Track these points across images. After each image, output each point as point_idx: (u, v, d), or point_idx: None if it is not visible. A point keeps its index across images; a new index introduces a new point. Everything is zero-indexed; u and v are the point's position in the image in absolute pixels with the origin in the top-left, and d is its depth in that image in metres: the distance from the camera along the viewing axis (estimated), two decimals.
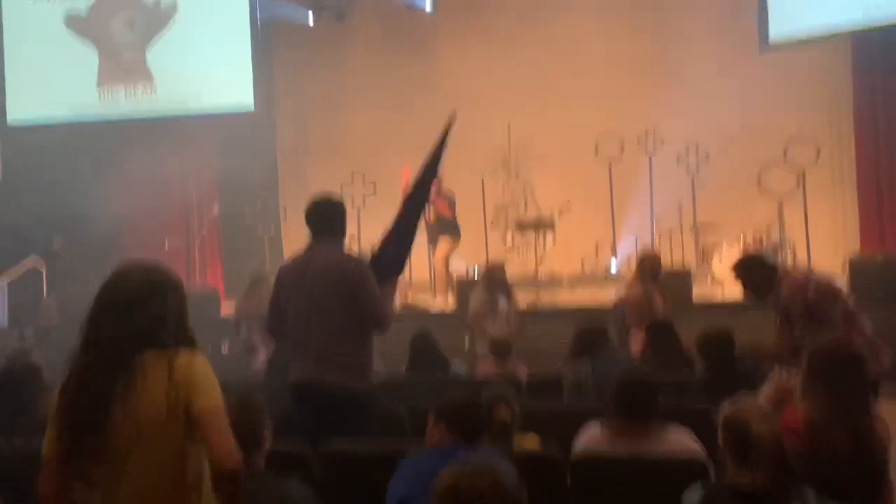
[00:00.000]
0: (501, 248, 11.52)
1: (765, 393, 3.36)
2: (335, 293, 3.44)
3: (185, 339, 2.05)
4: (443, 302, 8.85)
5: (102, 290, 2.07)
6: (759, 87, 9.84)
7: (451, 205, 8.81)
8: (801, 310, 3.76)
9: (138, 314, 1.99)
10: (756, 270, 4.05)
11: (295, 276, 3.59)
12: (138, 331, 1.97)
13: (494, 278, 6.50)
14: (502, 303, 6.40)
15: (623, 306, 5.82)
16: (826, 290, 3.88)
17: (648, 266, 5.93)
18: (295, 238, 11.60)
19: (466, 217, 11.14)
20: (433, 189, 8.84)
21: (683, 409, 3.35)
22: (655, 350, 4.48)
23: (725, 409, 2.52)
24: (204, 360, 2.02)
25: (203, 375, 1.97)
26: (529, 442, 3.07)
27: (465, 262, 10.70)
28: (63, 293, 10.03)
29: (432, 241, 9.08)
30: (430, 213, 8.88)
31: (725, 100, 9.92)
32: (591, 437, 2.85)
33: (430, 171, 4.07)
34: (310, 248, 3.64)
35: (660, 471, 2.69)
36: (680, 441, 2.75)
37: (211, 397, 1.95)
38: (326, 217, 3.60)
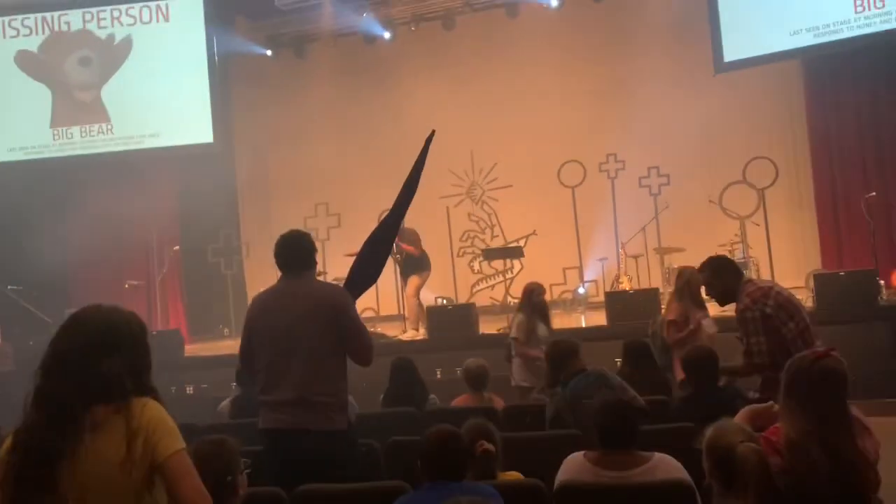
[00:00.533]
0: (469, 275, 11.53)
1: (741, 413, 3.32)
2: (318, 327, 3.31)
3: (143, 391, 1.91)
4: (413, 335, 8.74)
5: (57, 338, 1.94)
6: (716, 110, 10.01)
7: (416, 241, 8.74)
8: (758, 319, 3.72)
9: (92, 369, 1.86)
10: (723, 273, 4.05)
11: (269, 315, 3.43)
12: (91, 385, 1.85)
13: (533, 301, 6.03)
14: (541, 328, 5.95)
15: (662, 327, 5.22)
16: (786, 303, 3.81)
17: (686, 281, 5.23)
18: (257, 275, 11.49)
19: (432, 246, 11.11)
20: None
21: (666, 430, 3.31)
22: (632, 370, 4.41)
23: (707, 433, 2.47)
24: (157, 405, 1.89)
25: (160, 420, 1.87)
26: (512, 478, 2.99)
27: (432, 292, 10.65)
28: (18, 339, 9.69)
29: (403, 279, 8.99)
30: (395, 252, 8.79)
31: (683, 123, 10.09)
32: (574, 466, 2.78)
33: (410, 191, 4.03)
34: (283, 285, 3.49)
35: (646, 498, 2.64)
36: (665, 468, 2.70)
37: (172, 442, 1.85)
38: (296, 250, 3.47)
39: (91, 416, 1.82)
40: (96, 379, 1.85)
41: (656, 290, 8.11)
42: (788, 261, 9.59)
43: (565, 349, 4.08)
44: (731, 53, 9.62)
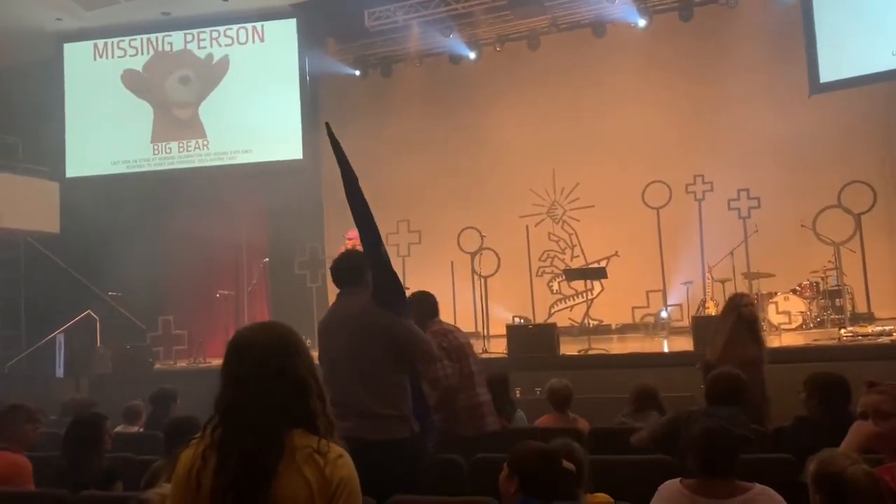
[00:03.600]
0: (547, 295, 11.47)
1: (847, 443, 3.18)
2: (368, 341, 3.38)
3: (328, 423, 1.84)
4: None
5: (239, 353, 1.84)
6: (810, 131, 9.72)
7: None
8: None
9: (287, 378, 1.81)
10: (418, 308, 4.12)
11: (327, 335, 3.54)
12: (289, 399, 1.80)
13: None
14: None
15: None
16: (457, 349, 4.19)
17: None
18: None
19: (511, 264, 11.12)
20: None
21: (765, 461, 3.22)
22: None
23: (812, 464, 2.39)
24: (351, 464, 1.83)
25: (351, 482, 1.80)
26: (601, 501, 2.96)
27: (510, 311, 10.65)
28: (115, 343, 10.20)
29: None
30: None
31: (775, 144, 9.83)
32: (669, 492, 2.73)
33: (349, 179, 3.73)
34: (337, 304, 3.60)
35: None
36: (766, 499, 2.60)
37: None
38: (345, 268, 3.57)
39: (290, 441, 1.77)
40: (294, 390, 1.82)
41: None
42: (886, 289, 9.16)
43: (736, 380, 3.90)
44: (827, 74, 9.31)
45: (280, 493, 1.73)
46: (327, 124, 3.74)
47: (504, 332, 8.78)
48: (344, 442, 1.89)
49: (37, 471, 3.79)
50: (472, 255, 10.46)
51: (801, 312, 8.94)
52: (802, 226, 9.16)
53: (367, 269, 3.58)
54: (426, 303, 4.36)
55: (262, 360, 1.82)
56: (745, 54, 10.08)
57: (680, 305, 10.07)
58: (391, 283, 3.50)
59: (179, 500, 1.80)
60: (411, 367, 3.58)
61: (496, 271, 10.68)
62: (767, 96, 9.97)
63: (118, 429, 5.57)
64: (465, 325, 10.63)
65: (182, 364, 10.32)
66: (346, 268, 3.57)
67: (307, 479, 1.75)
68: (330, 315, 3.60)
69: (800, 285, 9.12)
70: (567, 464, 2.85)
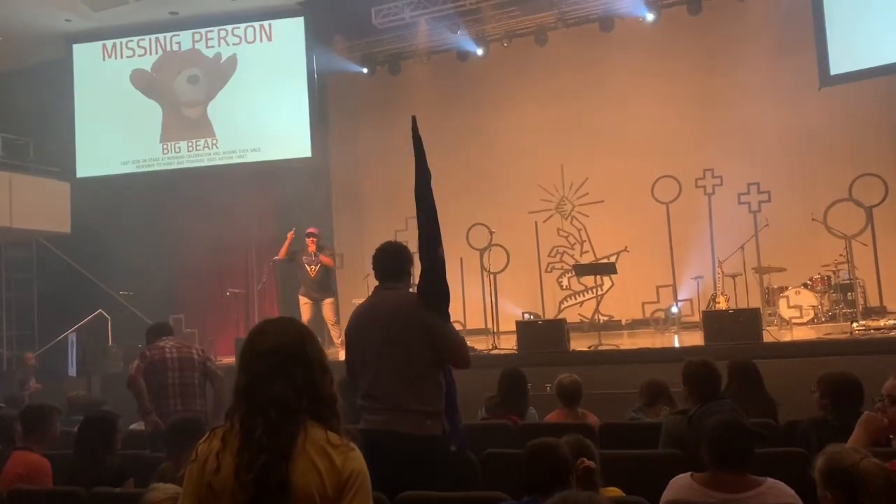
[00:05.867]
0: (557, 291, 11.45)
1: (855, 436, 3.16)
2: (408, 336, 3.34)
3: (338, 415, 1.85)
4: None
5: (261, 334, 1.87)
6: (820, 124, 9.65)
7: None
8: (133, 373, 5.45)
9: (309, 357, 1.83)
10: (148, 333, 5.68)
11: (363, 327, 3.50)
12: (309, 378, 1.81)
13: None
14: None
15: None
16: (157, 363, 5.35)
17: None
18: (351, 285, 11.79)
19: (520, 261, 11.11)
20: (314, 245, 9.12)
21: (775, 455, 3.20)
22: (738, 390, 4.23)
23: (820, 460, 2.37)
24: (363, 460, 1.82)
25: (363, 476, 1.80)
26: (612, 494, 2.95)
27: (520, 307, 10.64)
28: (127, 342, 10.24)
29: (318, 298, 9.10)
30: (314, 269, 9.15)
31: (785, 138, 9.77)
32: (680, 486, 2.72)
33: (423, 176, 3.64)
34: (376, 296, 3.56)
35: None
36: (778, 493, 2.60)
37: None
38: (390, 261, 3.54)
39: (302, 430, 1.77)
40: (309, 378, 1.83)
41: (757, 310, 7.81)
42: None
43: (707, 372, 3.90)
44: (837, 66, 9.23)
45: (293, 482, 1.72)
46: (413, 118, 3.67)
47: (514, 328, 8.75)
48: (357, 434, 1.88)
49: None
50: (481, 251, 10.46)
51: (813, 306, 8.88)
52: (813, 219, 9.12)
53: (412, 265, 3.57)
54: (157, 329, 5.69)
55: (284, 340, 1.86)
56: (754, 47, 10.00)
57: (690, 300, 10.03)
58: (442, 286, 3.44)
59: (193, 488, 1.80)
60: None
61: (505, 267, 10.69)
62: (777, 89, 9.89)
63: (133, 426, 5.61)
64: (475, 321, 10.67)
65: None
66: (392, 263, 3.55)
67: (318, 470, 1.75)
68: (368, 308, 3.55)
69: (811, 279, 9.07)
70: (588, 462, 2.84)
